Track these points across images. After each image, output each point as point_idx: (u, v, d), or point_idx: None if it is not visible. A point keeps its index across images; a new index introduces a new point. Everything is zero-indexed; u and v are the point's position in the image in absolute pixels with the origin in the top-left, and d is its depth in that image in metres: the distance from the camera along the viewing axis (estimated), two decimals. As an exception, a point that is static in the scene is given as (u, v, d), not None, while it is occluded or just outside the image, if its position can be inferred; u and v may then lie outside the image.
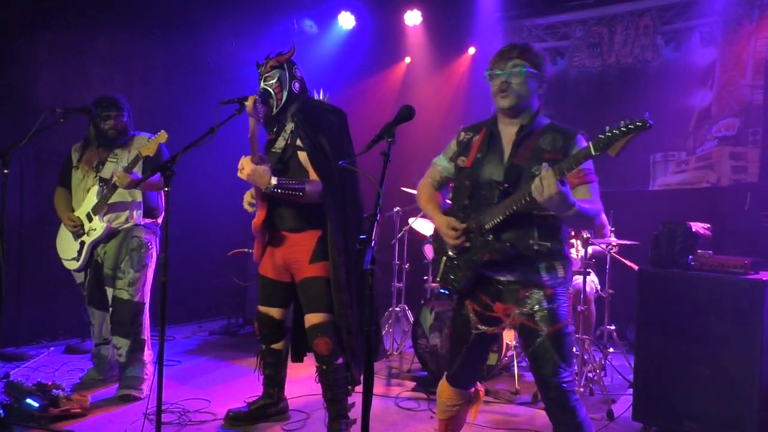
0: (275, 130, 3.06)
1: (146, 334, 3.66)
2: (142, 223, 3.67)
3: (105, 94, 3.75)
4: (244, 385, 3.81)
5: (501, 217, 2.13)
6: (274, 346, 3.20)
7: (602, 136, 1.85)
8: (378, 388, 3.93)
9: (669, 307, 3.07)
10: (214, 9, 5.96)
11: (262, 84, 2.97)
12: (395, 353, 4.83)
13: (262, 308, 3.17)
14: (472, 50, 7.11)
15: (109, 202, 3.55)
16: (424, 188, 2.53)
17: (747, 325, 2.85)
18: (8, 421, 2.96)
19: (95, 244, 3.62)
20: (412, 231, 4.95)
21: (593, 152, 1.88)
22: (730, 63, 5.45)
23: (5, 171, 2.89)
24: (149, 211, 3.73)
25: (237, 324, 5.75)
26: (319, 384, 2.96)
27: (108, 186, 3.52)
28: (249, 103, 2.76)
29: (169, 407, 3.32)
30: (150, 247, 3.68)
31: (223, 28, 6.09)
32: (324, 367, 2.88)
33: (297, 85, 3.02)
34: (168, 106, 5.23)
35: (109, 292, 3.62)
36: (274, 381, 3.24)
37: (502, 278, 2.25)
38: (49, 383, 3.20)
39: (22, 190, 4.52)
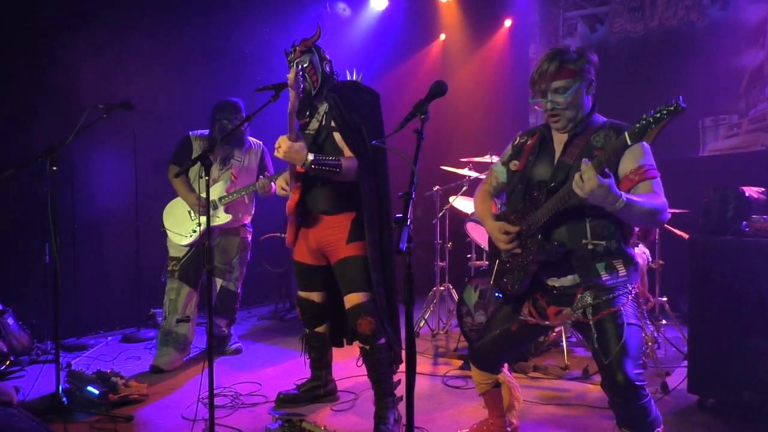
0: (308, 113, 3.06)
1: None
2: (246, 223, 4.23)
3: (225, 99, 4.08)
4: (293, 368, 3.88)
5: (548, 217, 2.10)
6: (317, 329, 3.24)
7: (636, 126, 1.79)
8: (425, 367, 3.94)
9: (723, 275, 2.96)
10: (247, -1, 6.00)
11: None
12: (441, 332, 4.82)
13: (302, 293, 3.20)
14: (508, 22, 6.96)
15: (234, 201, 4.02)
16: (480, 195, 2.55)
17: (807, 291, 2.72)
18: (71, 408, 3.09)
19: (213, 229, 3.85)
20: (453, 210, 4.91)
21: (628, 142, 1.81)
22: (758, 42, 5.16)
23: (54, 168, 2.98)
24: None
25: (284, 308, 5.85)
26: (363, 365, 2.97)
27: (239, 184, 4.03)
28: (291, 75, 2.76)
29: (222, 391, 3.41)
30: (250, 245, 4.29)
31: (257, 17, 6.13)
32: (367, 347, 2.89)
33: (328, 67, 3.02)
34: (206, 96, 5.29)
35: (218, 282, 4.17)
36: (321, 363, 3.29)
37: (557, 283, 2.23)
38: (108, 371, 3.33)
39: (73, 186, 4.68)
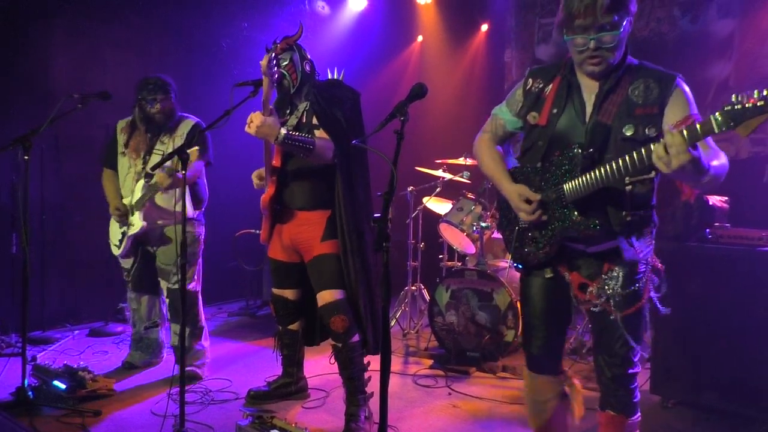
0: (288, 111, 3.07)
1: (203, 321, 3.72)
2: (192, 216, 3.65)
3: (149, 75, 3.63)
4: (264, 365, 3.88)
5: (591, 190, 1.83)
6: (290, 326, 3.25)
7: (729, 109, 1.49)
8: (396, 366, 3.98)
9: (686, 280, 3.06)
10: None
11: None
12: (412, 332, 4.87)
13: (276, 291, 3.21)
14: (485, 27, 7.04)
15: (159, 203, 3.55)
16: (484, 145, 2.21)
17: (765, 296, 2.83)
18: (37, 402, 3.05)
19: (135, 238, 3.62)
20: (426, 210, 4.96)
21: (715, 129, 1.51)
22: (749, 34, 5.33)
23: (26, 158, 2.94)
24: (198, 203, 3.73)
25: (255, 305, 5.83)
26: (335, 363, 3.00)
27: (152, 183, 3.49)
28: (264, 62, 2.74)
29: (192, 387, 3.39)
30: (200, 239, 3.71)
31: (236, 11, 6.09)
32: (340, 345, 2.92)
33: (308, 66, 3.02)
34: (183, 89, 5.24)
35: (163, 284, 3.67)
36: (293, 360, 3.30)
37: (585, 249, 1.99)
38: (75, 366, 3.28)
39: (42, 175, 4.59)
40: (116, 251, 3.73)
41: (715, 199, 3.23)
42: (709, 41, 5.55)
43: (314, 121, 2.94)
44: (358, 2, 6.97)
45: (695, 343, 3.03)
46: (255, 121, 2.71)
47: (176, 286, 3.57)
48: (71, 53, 4.89)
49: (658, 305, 2.02)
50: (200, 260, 3.75)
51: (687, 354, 3.06)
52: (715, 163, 1.69)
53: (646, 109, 1.85)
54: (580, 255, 2.01)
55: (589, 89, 1.94)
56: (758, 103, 1.44)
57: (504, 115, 2.17)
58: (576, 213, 1.89)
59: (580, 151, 1.87)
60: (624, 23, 1.81)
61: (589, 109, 1.93)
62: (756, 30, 5.28)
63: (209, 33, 5.87)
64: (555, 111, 1.97)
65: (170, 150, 3.48)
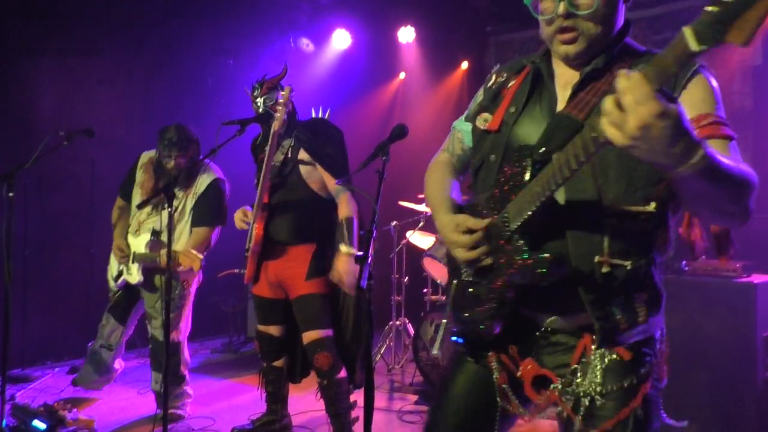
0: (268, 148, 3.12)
1: (186, 369, 3.61)
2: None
3: (169, 125, 3.47)
4: (247, 403, 3.84)
5: (534, 208, 1.23)
6: (275, 363, 3.24)
7: (712, 9, 0.88)
8: (380, 402, 3.96)
9: (665, 313, 3.12)
10: (213, 30, 6.06)
11: (261, 106, 3.03)
12: (397, 367, 4.86)
13: (261, 327, 3.21)
14: (465, 64, 7.22)
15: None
16: (434, 166, 1.69)
17: (741, 327, 2.90)
18: (16, 442, 2.99)
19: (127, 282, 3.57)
20: (409, 245, 5.00)
21: (692, 46, 0.90)
22: (718, 71, 5.53)
23: (10, 194, 2.94)
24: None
25: (239, 341, 5.78)
26: (321, 400, 2.99)
27: (157, 239, 3.39)
28: (285, 93, 2.88)
29: (174, 426, 3.35)
30: (186, 286, 3.55)
31: (222, 48, 6.19)
32: (325, 382, 2.92)
33: (290, 105, 3.10)
34: (168, 124, 5.33)
35: (149, 328, 3.58)
36: (277, 398, 3.28)
37: (539, 319, 1.39)
38: (55, 404, 3.23)
39: (26, 211, 4.58)
40: (111, 282, 3.70)
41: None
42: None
43: (300, 156, 3.00)
44: (342, 40, 7.12)
45: (674, 375, 3.07)
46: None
47: (157, 335, 3.49)
48: (57, 88, 4.93)
49: (665, 417, 1.48)
50: (186, 310, 3.58)
51: (666, 385, 3.10)
52: (726, 160, 1.06)
53: None
54: (535, 328, 1.41)
55: (566, 80, 1.38)
56: None
57: (462, 125, 1.63)
58: (522, 242, 1.28)
59: (530, 153, 1.29)
60: None
61: (559, 103, 1.37)
62: (724, 68, 5.49)
63: (195, 69, 5.95)
64: (513, 110, 1.42)
65: (183, 205, 3.42)
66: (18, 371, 4.47)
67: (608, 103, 0.98)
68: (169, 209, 2.61)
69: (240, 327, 5.92)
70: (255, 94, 3.07)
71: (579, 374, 1.33)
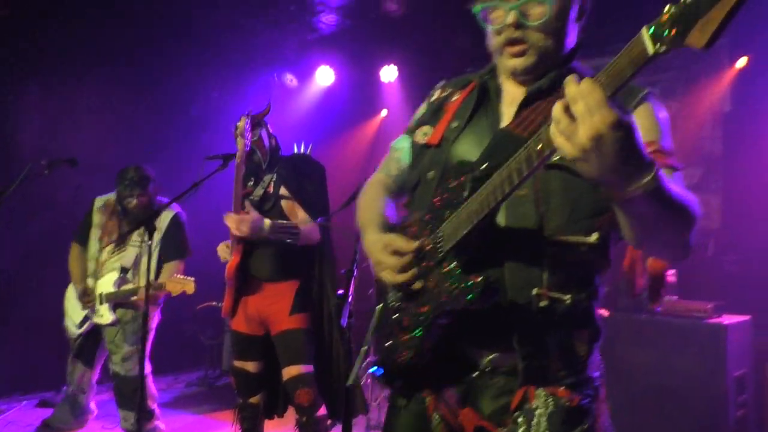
0: (252, 183, 3.15)
1: (154, 404, 3.54)
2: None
3: (129, 166, 3.57)
4: (222, 438, 3.78)
5: (470, 227, 1.15)
6: (251, 399, 3.19)
7: (671, 9, 0.84)
8: (357, 438, 3.93)
9: (637, 351, 3.18)
10: (198, 60, 6.12)
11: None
12: (374, 404, 4.82)
13: (238, 363, 3.17)
14: (446, 103, 7.37)
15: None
16: (369, 188, 1.57)
17: (712, 367, 2.96)
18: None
19: (96, 325, 3.53)
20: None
21: (649, 49, 0.86)
22: (690, 116, 5.73)
23: (-11, 224, 2.93)
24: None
25: (214, 375, 5.70)
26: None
27: (126, 275, 3.44)
28: (240, 124, 2.85)
29: (145, 461, 3.28)
30: (147, 320, 3.40)
31: (207, 79, 6.25)
32: (305, 419, 2.89)
33: (273, 141, 3.15)
34: (151, 154, 5.31)
35: (110, 365, 3.52)
36: (253, 434, 3.23)
37: (476, 357, 1.26)
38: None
39: (2, 239, 4.52)
40: (73, 331, 3.62)
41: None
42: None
43: (281, 191, 3.03)
44: (326, 77, 7.24)
45: (647, 414, 3.11)
46: (245, 221, 2.77)
47: (119, 370, 3.44)
48: (41, 114, 4.94)
49: None
50: (149, 343, 3.39)
51: (636, 423, 3.13)
52: (675, 187, 1.03)
53: None
54: (471, 368, 1.26)
55: (512, 97, 1.31)
56: None
57: (401, 143, 1.53)
58: (453, 265, 1.19)
59: (468, 170, 1.20)
60: None
61: (504, 120, 1.30)
62: (695, 113, 5.69)
63: (180, 99, 6.00)
64: (455, 125, 1.34)
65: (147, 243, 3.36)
66: (-16, 404, 4.36)
67: (557, 110, 0.92)
68: (149, 242, 2.62)
69: (216, 360, 5.84)
70: (237, 132, 3.09)
71: (521, 422, 1.19)
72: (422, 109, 1.51)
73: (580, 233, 1.17)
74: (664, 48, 0.84)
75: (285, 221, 2.88)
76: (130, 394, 3.33)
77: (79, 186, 4.81)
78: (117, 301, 3.44)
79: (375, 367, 1.36)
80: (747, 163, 5.01)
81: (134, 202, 3.48)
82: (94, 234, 3.60)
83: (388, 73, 7.27)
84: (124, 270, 3.46)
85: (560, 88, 1.11)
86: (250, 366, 3.15)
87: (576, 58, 1.33)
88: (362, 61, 7.33)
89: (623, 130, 0.89)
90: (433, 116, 1.43)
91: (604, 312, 3.97)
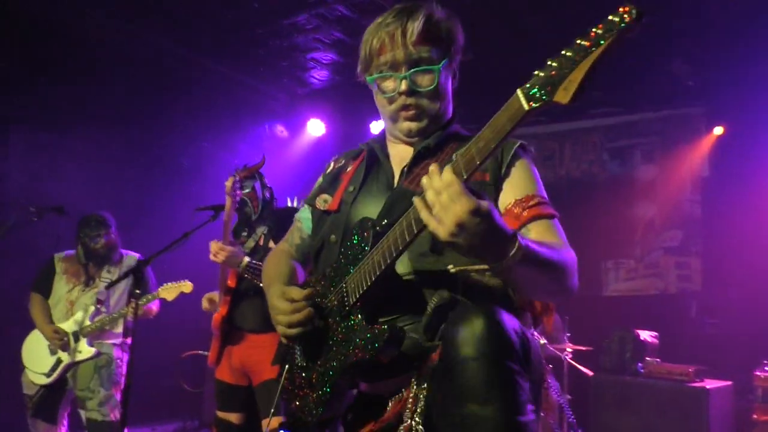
0: (245, 234, 3.18)
1: None
2: (117, 342, 3.60)
3: (90, 213, 3.75)
4: (198, 494, 3.67)
5: (373, 278, 1.22)
6: (233, 451, 3.15)
7: (540, 74, 1.00)
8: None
9: (621, 411, 3.19)
10: (188, 111, 6.22)
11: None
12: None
13: (221, 414, 3.13)
14: (433, 158, 7.50)
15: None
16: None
17: (694, 431, 2.97)
18: None
19: (74, 365, 3.49)
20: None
21: (525, 105, 1.01)
22: (670, 179, 5.90)
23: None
24: (126, 332, 3.62)
25: (193, 426, 5.56)
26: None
27: (105, 310, 3.51)
28: (228, 183, 2.93)
29: None
30: (120, 363, 3.57)
31: (198, 130, 6.33)
32: (285, 472, 2.84)
33: (267, 193, 3.19)
34: (139, 204, 5.32)
35: (82, 414, 3.47)
36: (233, 489, 3.16)
37: (386, 398, 1.28)
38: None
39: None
40: (42, 380, 3.50)
41: (645, 334, 3.45)
42: (635, 183, 6.09)
43: (271, 244, 3.06)
44: (317, 128, 7.36)
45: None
46: (223, 252, 2.84)
47: (95, 416, 3.39)
48: (27, 162, 4.95)
49: None
50: (121, 387, 3.51)
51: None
52: (544, 249, 1.13)
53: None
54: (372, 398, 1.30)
55: (402, 157, 1.44)
56: (582, 42, 0.97)
57: (302, 214, 1.62)
58: (359, 317, 1.24)
59: (369, 227, 1.29)
60: (444, 62, 1.39)
61: (396, 179, 1.42)
62: (675, 176, 5.85)
63: (170, 149, 6.05)
64: (351, 189, 1.45)
65: (115, 277, 3.54)
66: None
67: (430, 195, 1.06)
68: (138, 290, 2.62)
69: (194, 411, 5.71)
70: (230, 184, 3.15)
71: None
72: (320, 180, 1.63)
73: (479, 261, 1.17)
74: (535, 105, 0.99)
75: (260, 264, 2.89)
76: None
77: (60, 235, 4.80)
78: (94, 336, 3.46)
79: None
80: (726, 226, 5.14)
81: (102, 241, 3.59)
82: (60, 279, 3.65)
83: (378, 127, 7.42)
84: (99, 302, 3.53)
85: (444, 147, 1.39)
86: (234, 417, 3.11)
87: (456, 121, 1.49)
88: (352, 115, 7.49)
89: (481, 215, 1.01)
90: (330, 185, 1.55)
91: (587, 372, 3.99)
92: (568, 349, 4.27)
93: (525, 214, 1.26)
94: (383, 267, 1.19)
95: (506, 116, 1.03)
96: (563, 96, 0.97)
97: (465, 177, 1.05)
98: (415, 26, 1.35)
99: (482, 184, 1.32)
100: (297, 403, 1.36)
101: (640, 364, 3.26)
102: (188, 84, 6.09)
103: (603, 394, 3.30)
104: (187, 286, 3.46)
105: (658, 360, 3.31)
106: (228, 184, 2.92)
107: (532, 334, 1.26)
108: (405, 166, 1.41)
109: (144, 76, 5.51)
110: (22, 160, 4.91)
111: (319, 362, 1.32)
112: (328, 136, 7.47)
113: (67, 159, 5.21)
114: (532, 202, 1.28)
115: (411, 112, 1.40)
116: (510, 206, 1.30)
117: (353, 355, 1.21)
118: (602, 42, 0.95)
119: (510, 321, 1.07)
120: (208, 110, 6.36)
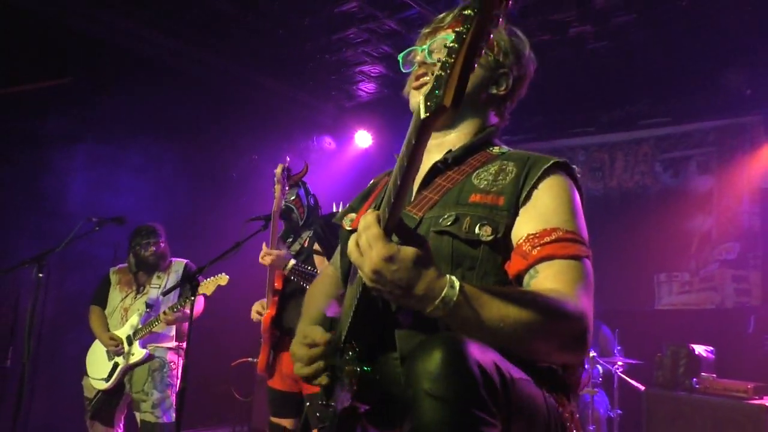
0: (291, 239, 3.25)
1: None
2: (170, 345, 3.73)
3: (142, 224, 3.92)
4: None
5: (351, 313, 1.14)
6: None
7: (429, 81, 0.93)
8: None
9: (674, 428, 3.09)
10: (237, 125, 6.40)
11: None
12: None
13: (274, 419, 3.17)
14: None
15: (155, 330, 3.64)
16: (317, 282, 1.60)
17: (754, 451, 2.86)
18: None
19: (129, 368, 3.63)
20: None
21: (422, 115, 0.93)
22: (726, 190, 5.71)
23: (40, 275, 3.07)
24: (180, 336, 3.81)
25: (241, 433, 5.65)
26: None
27: (154, 313, 3.64)
28: (278, 170, 3.02)
29: None
30: (173, 367, 3.70)
31: (246, 143, 6.50)
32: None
33: (312, 200, 3.26)
34: (191, 216, 5.49)
35: (137, 416, 3.60)
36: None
37: None
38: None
39: (46, 291, 4.68)
40: (102, 385, 3.65)
41: (700, 349, 3.34)
42: (690, 195, 5.92)
43: (315, 246, 3.12)
44: (364, 140, 7.44)
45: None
46: (271, 254, 2.92)
47: (149, 418, 3.52)
48: (87, 176, 5.18)
49: None
50: (174, 389, 3.62)
51: None
52: (500, 301, 0.98)
53: (486, 196, 1.16)
54: None
55: (421, 173, 1.27)
56: (449, 44, 0.89)
57: (341, 232, 1.49)
58: (351, 353, 1.13)
59: None
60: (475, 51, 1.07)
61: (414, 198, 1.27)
62: (732, 188, 5.66)
63: (220, 163, 6.23)
64: (373, 207, 1.27)
65: (165, 283, 3.72)
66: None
67: (351, 241, 0.98)
68: (193, 297, 2.71)
69: (245, 417, 5.81)
70: (276, 187, 3.23)
71: None
72: (356, 199, 1.54)
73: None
74: (429, 113, 0.91)
75: (309, 267, 2.96)
76: None
77: (117, 245, 4.99)
78: (147, 339, 3.59)
79: None
80: (787, 239, 4.92)
81: (151, 249, 3.75)
82: (114, 290, 3.82)
83: (424, 140, 7.45)
84: (149, 305, 3.67)
85: (471, 161, 1.22)
86: (287, 422, 3.14)
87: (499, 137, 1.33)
88: (399, 126, 7.52)
89: (397, 262, 0.93)
90: (360, 203, 1.47)
91: (639, 386, 3.89)
92: (619, 363, 4.18)
93: (534, 253, 1.06)
94: (356, 301, 1.10)
95: (411, 128, 0.95)
96: (447, 99, 0.89)
97: (386, 216, 0.95)
98: (451, 13, 1.29)
99: (493, 209, 1.14)
100: None
101: (695, 380, 3.16)
102: (238, 99, 6.27)
103: (655, 409, 3.21)
104: (222, 279, 3.56)
105: (714, 376, 3.19)
106: (278, 171, 3.02)
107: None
108: (420, 184, 1.26)
109: (196, 93, 5.73)
110: (82, 173, 5.15)
111: (331, 403, 1.23)
112: (375, 147, 7.54)
113: (124, 172, 5.43)
114: (548, 238, 1.07)
115: (419, 81, 1.31)
116: (521, 241, 1.10)
117: (348, 393, 1.10)
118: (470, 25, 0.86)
119: (480, 353, 0.91)
120: (256, 124, 6.53)
